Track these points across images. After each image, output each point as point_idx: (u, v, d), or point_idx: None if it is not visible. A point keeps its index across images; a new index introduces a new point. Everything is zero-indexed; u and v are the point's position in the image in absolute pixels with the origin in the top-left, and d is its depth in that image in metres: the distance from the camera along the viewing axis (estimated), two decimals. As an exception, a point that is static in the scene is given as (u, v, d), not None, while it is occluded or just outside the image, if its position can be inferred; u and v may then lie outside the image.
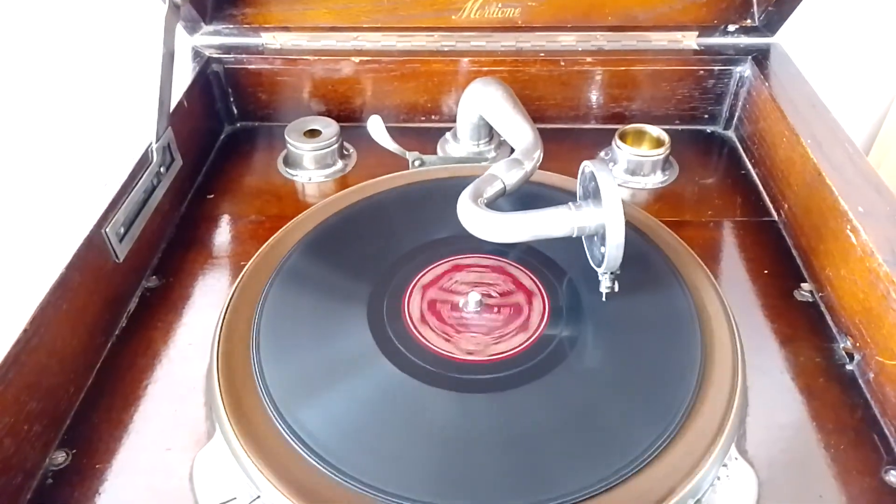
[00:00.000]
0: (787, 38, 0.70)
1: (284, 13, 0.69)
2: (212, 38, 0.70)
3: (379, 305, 0.48)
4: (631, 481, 0.38)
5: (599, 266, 0.47)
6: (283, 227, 0.54)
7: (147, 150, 0.55)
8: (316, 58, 0.69)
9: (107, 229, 0.48)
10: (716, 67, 0.69)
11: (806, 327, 0.50)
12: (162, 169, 0.57)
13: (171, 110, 0.58)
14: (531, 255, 0.51)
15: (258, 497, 0.38)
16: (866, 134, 0.90)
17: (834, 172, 0.52)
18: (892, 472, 0.41)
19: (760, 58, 0.68)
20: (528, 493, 0.37)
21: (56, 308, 0.43)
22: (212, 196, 0.63)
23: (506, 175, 0.51)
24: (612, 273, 0.46)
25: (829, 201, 0.51)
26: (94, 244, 0.47)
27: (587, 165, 0.47)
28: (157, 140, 0.55)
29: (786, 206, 0.59)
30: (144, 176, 0.54)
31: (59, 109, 0.86)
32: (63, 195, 0.50)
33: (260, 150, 0.70)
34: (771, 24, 0.68)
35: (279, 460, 0.39)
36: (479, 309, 0.47)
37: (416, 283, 0.49)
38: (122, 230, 0.51)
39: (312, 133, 0.65)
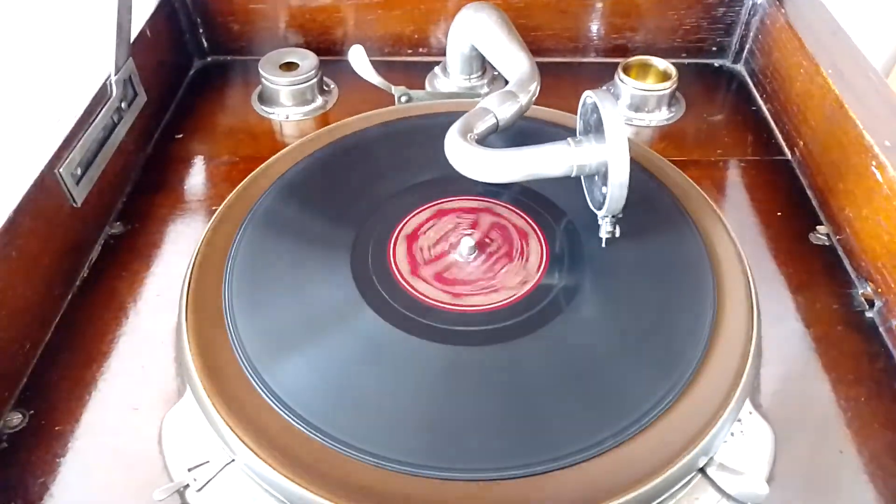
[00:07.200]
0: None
1: (256, -68, 0.63)
2: (177, -39, 0.64)
3: (363, 252, 0.44)
4: (637, 440, 0.35)
5: (600, 209, 0.43)
6: (258, 168, 0.50)
7: (105, 83, 0.50)
8: (292, -17, 0.63)
9: (60, 170, 0.44)
10: (727, -7, 0.64)
11: (822, 272, 0.47)
12: (123, 105, 0.52)
13: (131, 39, 0.53)
14: (527, 196, 0.48)
15: (232, 460, 0.35)
16: (884, 62, 0.85)
17: (857, 104, 0.48)
18: (916, 425, 0.38)
19: (775, -18, 0.63)
20: (525, 454, 0.34)
21: (4, 256, 0.39)
22: (181, 136, 0.59)
23: (498, 109, 0.47)
24: (613, 217, 0.43)
25: (852, 135, 0.47)
26: (46, 186, 0.43)
27: (589, 96, 0.43)
28: (117, 72, 0.50)
29: (801, 143, 0.55)
30: (103, 112, 0.49)
31: (6, 35, 0.79)
32: (11, 132, 0.45)
33: (233, 86, 0.65)
34: (787, -55, 0.63)
35: (254, 420, 0.36)
36: (471, 255, 0.44)
37: (402, 228, 0.46)
38: (80, 171, 0.46)
39: (289, 66, 0.60)
